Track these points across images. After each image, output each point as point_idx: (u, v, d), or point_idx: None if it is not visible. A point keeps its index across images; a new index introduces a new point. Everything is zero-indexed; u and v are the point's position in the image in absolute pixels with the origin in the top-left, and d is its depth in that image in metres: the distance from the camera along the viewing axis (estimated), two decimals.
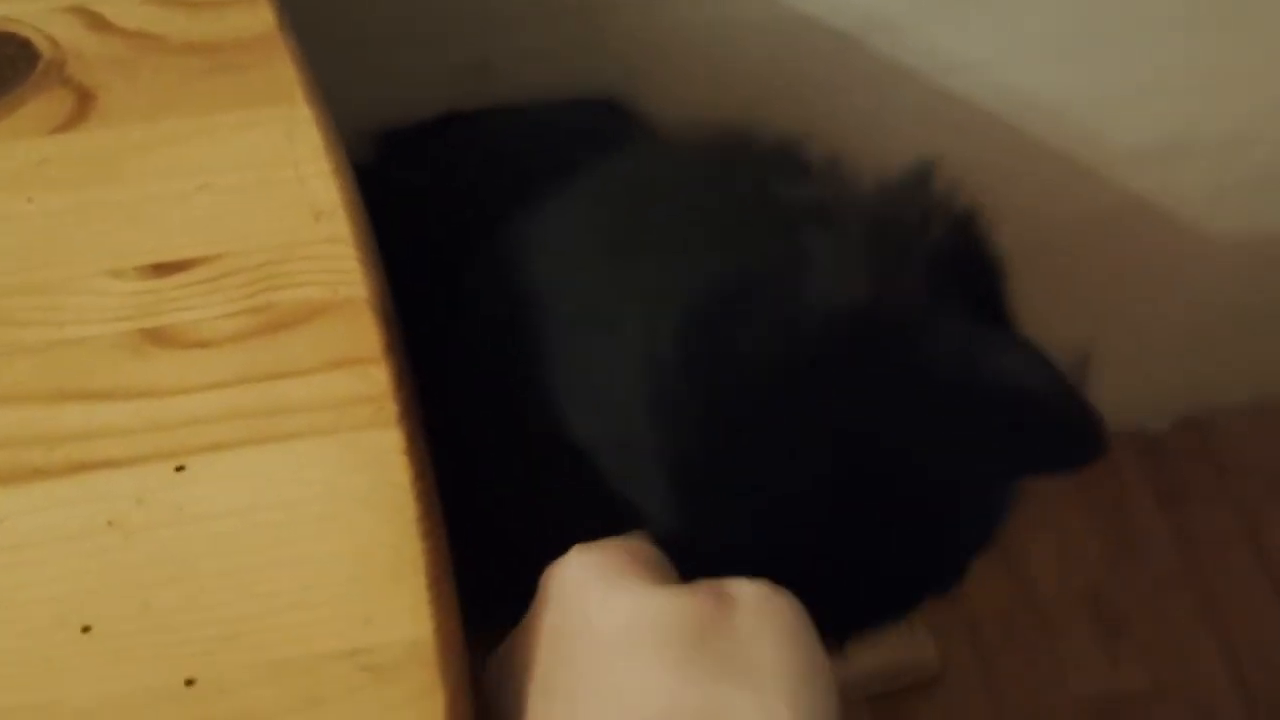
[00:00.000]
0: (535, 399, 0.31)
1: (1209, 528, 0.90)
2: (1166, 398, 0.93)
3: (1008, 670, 0.85)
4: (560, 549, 0.28)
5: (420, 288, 0.34)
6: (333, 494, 0.26)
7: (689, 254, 0.32)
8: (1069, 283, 0.77)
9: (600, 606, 0.25)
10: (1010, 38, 0.59)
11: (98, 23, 0.34)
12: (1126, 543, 0.90)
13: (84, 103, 0.32)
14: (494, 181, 0.41)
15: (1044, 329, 0.85)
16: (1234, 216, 0.74)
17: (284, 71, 0.32)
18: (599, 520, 0.29)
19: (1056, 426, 0.30)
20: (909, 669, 0.78)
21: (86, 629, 0.25)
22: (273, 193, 0.30)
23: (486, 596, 0.31)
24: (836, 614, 0.28)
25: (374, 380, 0.28)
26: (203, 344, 0.28)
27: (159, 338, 0.28)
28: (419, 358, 0.31)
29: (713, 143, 0.42)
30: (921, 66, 0.60)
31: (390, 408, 0.27)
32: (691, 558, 0.28)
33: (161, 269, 0.29)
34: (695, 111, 0.56)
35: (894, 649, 0.76)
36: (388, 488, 0.26)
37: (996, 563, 0.88)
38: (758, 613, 0.25)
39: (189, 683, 0.24)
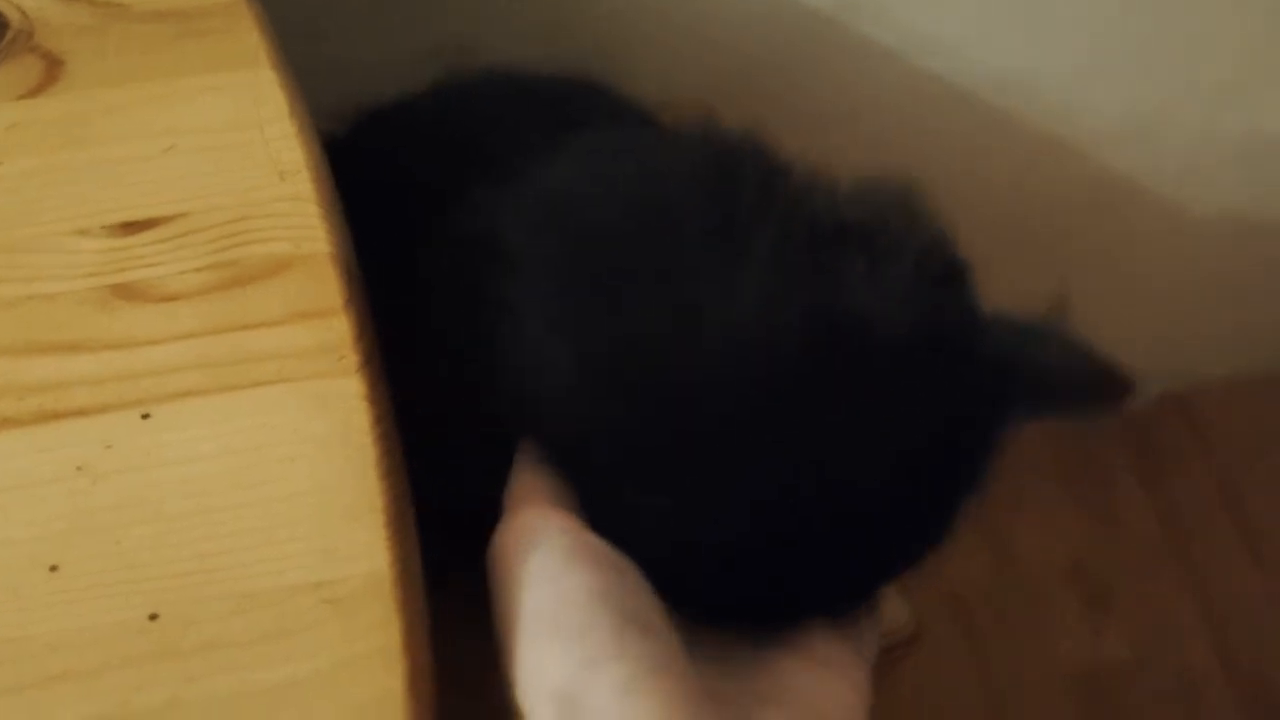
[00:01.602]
0: (498, 378, 0.31)
1: (1191, 499, 0.91)
2: (1147, 372, 0.93)
3: (992, 644, 0.86)
4: None
5: (391, 260, 0.34)
6: (296, 438, 0.27)
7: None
8: (1047, 259, 0.78)
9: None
10: (985, 17, 0.60)
11: None
12: (1109, 515, 0.91)
13: (52, 69, 0.33)
14: (469, 153, 0.41)
15: (1022, 305, 0.85)
16: (1211, 190, 0.74)
17: (249, 36, 0.33)
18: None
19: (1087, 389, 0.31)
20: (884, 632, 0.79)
21: (54, 568, 0.26)
22: (238, 153, 0.31)
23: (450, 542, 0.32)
24: (833, 579, 0.29)
25: (336, 331, 0.28)
26: (170, 298, 0.29)
27: (127, 292, 0.29)
28: (389, 328, 0.31)
29: (693, 135, 0.42)
30: (898, 45, 0.60)
31: (351, 357, 0.28)
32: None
33: (129, 227, 0.30)
34: (677, 90, 0.57)
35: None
36: (349, 431, 0.27)
37: (980, 538, 0.89)
38: None
39: (153, 617, 0.25)
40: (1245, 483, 0.92)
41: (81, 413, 0.27)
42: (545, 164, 0.34)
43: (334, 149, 0.37)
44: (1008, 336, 0.31)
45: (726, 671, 0.27)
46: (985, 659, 0.86)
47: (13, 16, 0.34)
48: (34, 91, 0.33)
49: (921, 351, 0.28)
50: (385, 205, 0.39)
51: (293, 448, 0.27)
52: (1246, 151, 0.72)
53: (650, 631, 0.25)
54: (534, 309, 0.28)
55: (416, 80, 0.53)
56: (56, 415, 0.27)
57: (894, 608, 0.42)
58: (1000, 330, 0.31)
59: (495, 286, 0.30)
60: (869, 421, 0.27)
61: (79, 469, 0.27)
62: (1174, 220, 0.76)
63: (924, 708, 0.80)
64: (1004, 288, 0.83)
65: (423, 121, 0.47)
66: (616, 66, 0.56)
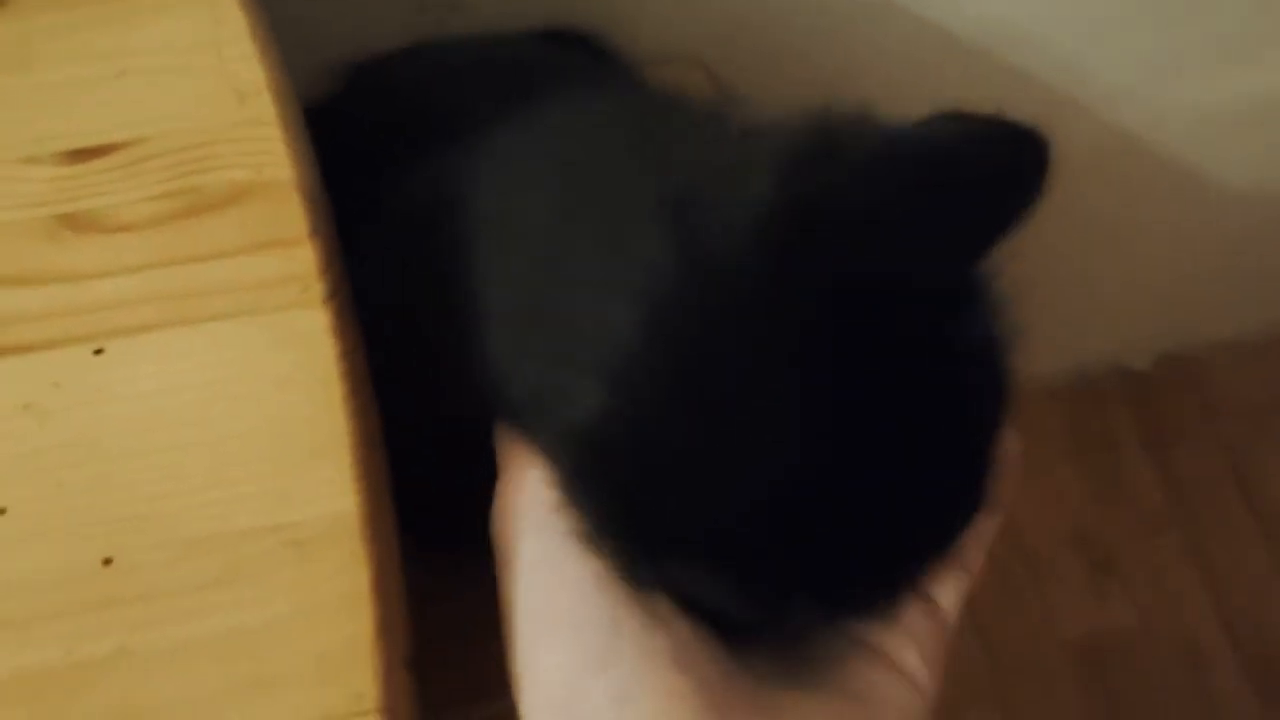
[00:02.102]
0: (475, 327, 0.29)
1: (1195, 466, 0.90)
2: (1151, 336, 0.92)
3: (996, 611, 0.85)
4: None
5: (372, 213, 0.32)
6: (255, 373, 0.25)
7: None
8: (1051, 217, 0.76)
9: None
10: None
11: None
12: (1112, 482, 0.90)
13: None
14: (456, 110, 0.39)
15: (1030, 265, 0.83)
16: (1218, 149, 0.73)
17: None
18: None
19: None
20: None
21: (2, 511, 0.24)
22: (195, 76, 0.29)
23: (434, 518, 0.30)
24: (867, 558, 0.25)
25: (299, 261, 0.27)
26: (123, 228, 0.27)
27: (77, 223, 0.27)
28: (368, 281, 0.30)
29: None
30: (898, 1, 0.58)
31: (317, 287, 0.26)
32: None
33: (80, 154, 0.28)
34: (668, 45, 0.55)
35: None
36: (312, 365, 0.25)
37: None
38: None
39: (107, 562, 0.23)
40: (1250, 448, 0.91)
41: (28, 349, 0.26)
42: (495, 135, 0.32)
43: (315, 112, 0.36)
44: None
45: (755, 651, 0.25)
46: (989, 626, 0.85)
47: None
48: None
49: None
50: (355, 168, 0.37)
51: (252, 384, 0.25)
52: (1254, 110, 0.70)
53: (654, 619, 0.22)
54: (472, 278, 0.27)
55: (405, 37, 0.51)
56: (3, 351, 0.26)
57: None
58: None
59: (437, 256, 0.28)
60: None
61: (25, 407, 0.25)
62: (1181, 179, 0.75)
63: None
64: (1009, 244, 0.81)
65: (393, 85, 0.45)
66: (610, 23, 0.54)
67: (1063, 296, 0.83)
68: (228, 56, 0.29)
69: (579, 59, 0.51)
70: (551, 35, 0.53)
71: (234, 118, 0.29)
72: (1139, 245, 0.80)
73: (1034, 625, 0.85)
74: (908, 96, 0.69)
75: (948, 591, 0.25)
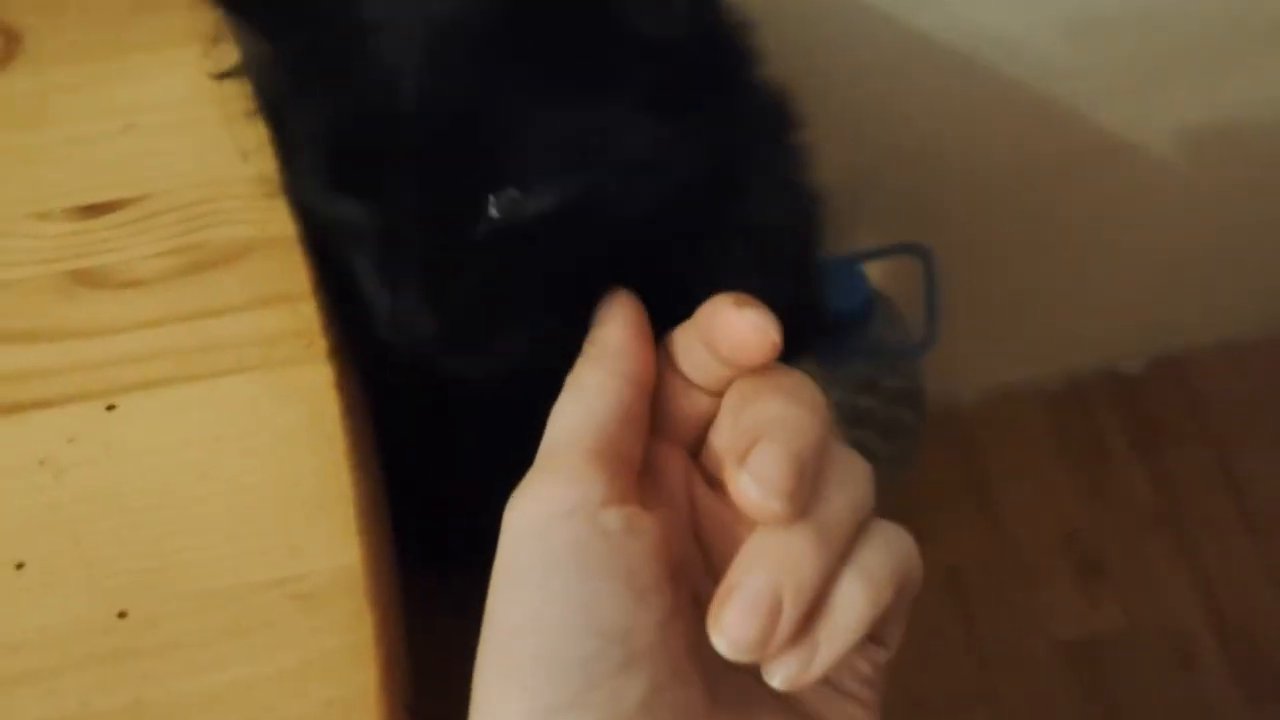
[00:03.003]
0: None
1: (1184, 467, 0.91)
2: (1140, 337, 0.93)
3: (986, 613, 0.86)
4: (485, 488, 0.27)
5: None
6: (262, 428, 0.26)
7: None
8: (1042, 223, 0.77)
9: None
10: None
11: None
12: (1102, 484, 0.91)
13: (10, 44, 0.32)
14: None
15: (1019, 268, 0.84)
16: (1205, 153, 0.73)
17: (208, 9, 0.32)
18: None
19: None
20: None
21: (20, 565, 0.25)
22: (199, 132, 0.30)
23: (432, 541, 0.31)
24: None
25: (304, 316, 0.28)
26: (132, 284, 0.28)
27: (88, 279, 0.28)
28: None
29: None
30: (890, 6, 0.59)
31: (320, 343, 0.27)
32: None
33: (90, 210, 0.29)
34: None
35: None
36: (317, 420, 0.26)
37: (974, 507, 0.89)
38: None
39: (121, 615, 0.24)
40: (1238, 450, 0.92)
41: (43, 404, 0.27)
42: None
43: None
44: None
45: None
46: (979, 627, 0.86)
47: None
48: None
49: None
50: None
51: (259, 439, 0.26)
52: (1240, 115, 0.71)
53: (633, 656, 0.22)
54: None
55: None
56: (18, 407, 0.27)
57: None
58: None
59: None
60: None
61: (41, 462, 0.26)
62: (1168, 182, 0.76)
63: (918, 676, 0.80)
64: (998, 247, 0.82)
65: None
66: None
67: (1052, 301, 0.85)
68: (230, 113, 0.30)
69: None
70: None
71: (237, 174, 0.29)
72: (1129, 246, 0.81)
73: (1024, 625, 0.86)
74: (895, 101, 0.70)
75: (892, 633, 0.25)
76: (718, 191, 0.28)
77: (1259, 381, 0.93)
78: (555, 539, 0.22)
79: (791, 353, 0.24)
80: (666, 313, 0.26)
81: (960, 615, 0.86)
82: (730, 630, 0.21)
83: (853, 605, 0.22)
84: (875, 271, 0.71)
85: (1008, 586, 0.87)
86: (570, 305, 0.25)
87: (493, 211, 0.26)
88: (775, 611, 0.21)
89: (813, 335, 0.36)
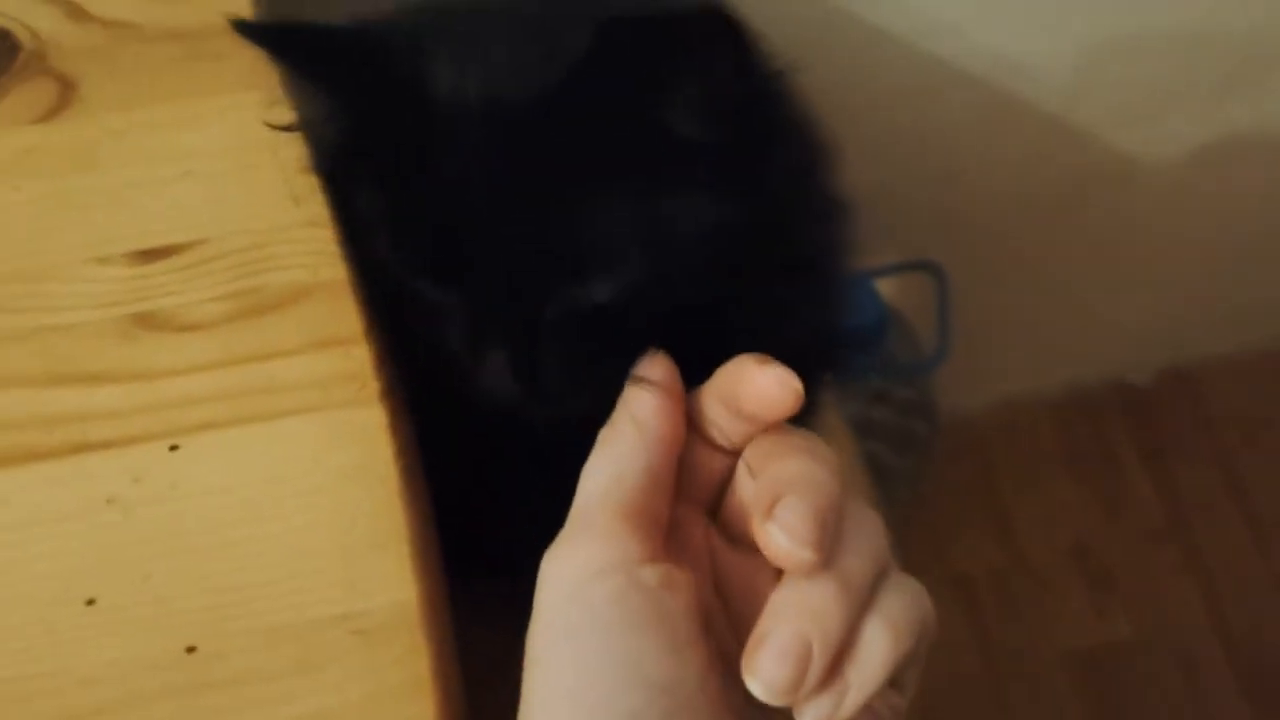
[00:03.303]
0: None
1: (1192, 479, 0.92)
2: (1148, 351, 0.94)
3: (996, 624, 0.87)
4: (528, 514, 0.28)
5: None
6: (319, 468, 0.27)
7: None
8: (1052, 238, 0.78)
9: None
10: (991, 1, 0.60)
11: (76, 12, 0.34)
12: (1112, 497, 0.92)
13: (66, 92, 0.33)
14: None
15: (1029, 283, 0.85)
16: (1214, 172, 0.74)
17: (259, 57, 0.33)
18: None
19: None
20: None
21: (90, 602, 0.26)
22: (253, 177, 0.31)
23: (466, 561, 0.32)
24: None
25: (356, 359, 0.29)
26: (190, 328, 0.29)
27: (148, 322, 0.29)
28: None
29: None
30: (905, 29, 0.60)
31: (372, 385, 0.28)
32: None
33: (147, 255, 0.30)
34: None
35: None
36: (371, 461, 0.27)
37: (984, 519, 0.90)
38: None
39: (190, 650, 0.25)
40: (1247, 463, 0.93)
41: (109, 445, 0.28)
42: None
43: None
44: None
45: None
46: (989, 638, 0.87)
47: (24, 38, 0.34)
48: (48, 115, 0.33)
49: None
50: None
51: (316, 479, 0.27)
52: (1249, 135, 0.72)
53: (679, 707, 0.23)
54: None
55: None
56: (86, 447, 0.28)
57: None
58: None
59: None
60: None
61: (109, 501, 0.27)
62: (1178, 201, 0.77)
63: (927, 686, 0.81)
64: (1010, 263, 0.83)
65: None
66: None
67: (1062, 315, 0.86)
68: (283, 159, 0.31)
69: None
70: None
71: (290, 219, 0.31)
72: (1139, 263, 0.82)
73: (1033, 635, 0.87)
74: (914, 125, 0.71)
75: (910, 678, 0.27)
76: (759, 238, 0.29)
77: (1267, 395, 0.94)
78: (597, 597, 0.24)
79: (815, 371, 0.26)
80: (701, 355, 0.27)
81: (970, 623, 0.87)
82: (765, 674, 0.23)
83: (878, 649, 0.24)
84: (888, 287, 0.72)
85: (1017, 596, 0.88)
86: (633, 361, 0.27)
87: (568, 295, 0.28)
88: (806, 657, 0.23)
89: (834, 354, 0.37)
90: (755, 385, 0.25)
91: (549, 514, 0.26)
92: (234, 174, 0.31)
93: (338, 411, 0.28)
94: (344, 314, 0.29)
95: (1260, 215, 0.80)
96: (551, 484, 0.26)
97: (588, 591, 0.24)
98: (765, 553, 0.23)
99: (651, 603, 0.24)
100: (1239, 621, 0.87)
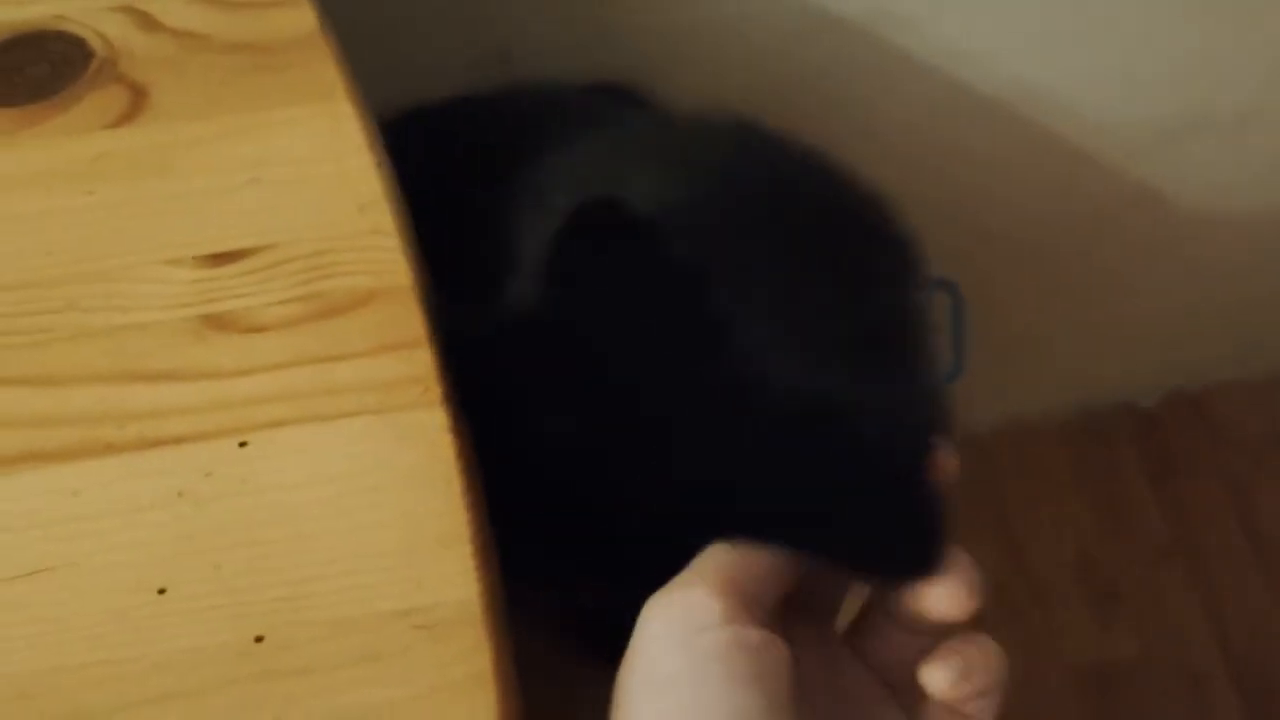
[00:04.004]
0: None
1: (1199, 499, 0.93)
2: (1157, 372, 0.95)
3: (1000, 639, 0.87)
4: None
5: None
6: (384, 468, 0.28)
7: None
8: (1066, 264, 0.79)
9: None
10: (1015, 27, 0.61)
11: (147, 22, 0.35)
12: (1117, 514, 0.93)
13: (137, 99, 0.34)
14: (497, 160, 0.42)
15: (1041, 305, 0.87)
16: (1229, 202, 0.76)
17: (325, 70, 0.34)
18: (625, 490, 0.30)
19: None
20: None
21: (162, 591, 0.27)
22: (318, 186, 0.32)
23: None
24: None
25: (419, 363, 0.30)
26: (259, 329, 0.30)
27: (218, 323, 0.30)
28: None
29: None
30: (928, 57, 0.61)
31: (435, 389, 0.29)
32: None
33: (217, 259, 0.31)
34: (704, 101, 0.58)
35: None
36: (435, 462, 0.28)
37: (989, 534, 0.91)
38: None
39: (258, 639, 0.26)
40: (1253, 482, 0.94)
41: (180, 440, 0.29)
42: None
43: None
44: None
45: None
46: None
47: (98, 46, 0.35)
48: (120, 121, 0.34)
49: None
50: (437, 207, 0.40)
51: (381, 477, 0.28)
52: (1268, 167, 0.73)
53: None
54: None
55: (456, 88, 0.54)
56: (157, 442, 0.29)
57: None
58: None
59: None
60: None
61: (180, 494, 0.28)
62: (1193, 230, 0.78)
63: None
64: (1023, 290, 0.84)
65: (443, 135, 0.48)
66: (653, 81, 0.57)
67: (1072, 336, 0.87)
68: (347, 168, 0.33)
69: (623, 111, 0.54)
70: (597, 89, 0.56)
71: (354, 227, 0.32)
72: (1153, 290, 0.83)
73: (1038, 652, 0.88)
74: (932, 147, 0.72)
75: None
76: None
77: (1274, 418, 0.95)
78: (700, 649, 0.25)
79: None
80: None
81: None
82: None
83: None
84: None
85: (1022, 610, 0.89)
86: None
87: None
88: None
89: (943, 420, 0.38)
90: (936, 603, 0.28)
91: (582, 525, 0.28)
92: (300, 182, 0.33)
93: (401, 413, 0.29)
94: (407, 319, 0.30)
95: (1270, 243, 0.81)
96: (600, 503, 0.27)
97: (692, 642, 0.25)
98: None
99: (755, 660, 0.25)
100: (1243, 639, 0.88)
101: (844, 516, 0.28)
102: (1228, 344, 0.92)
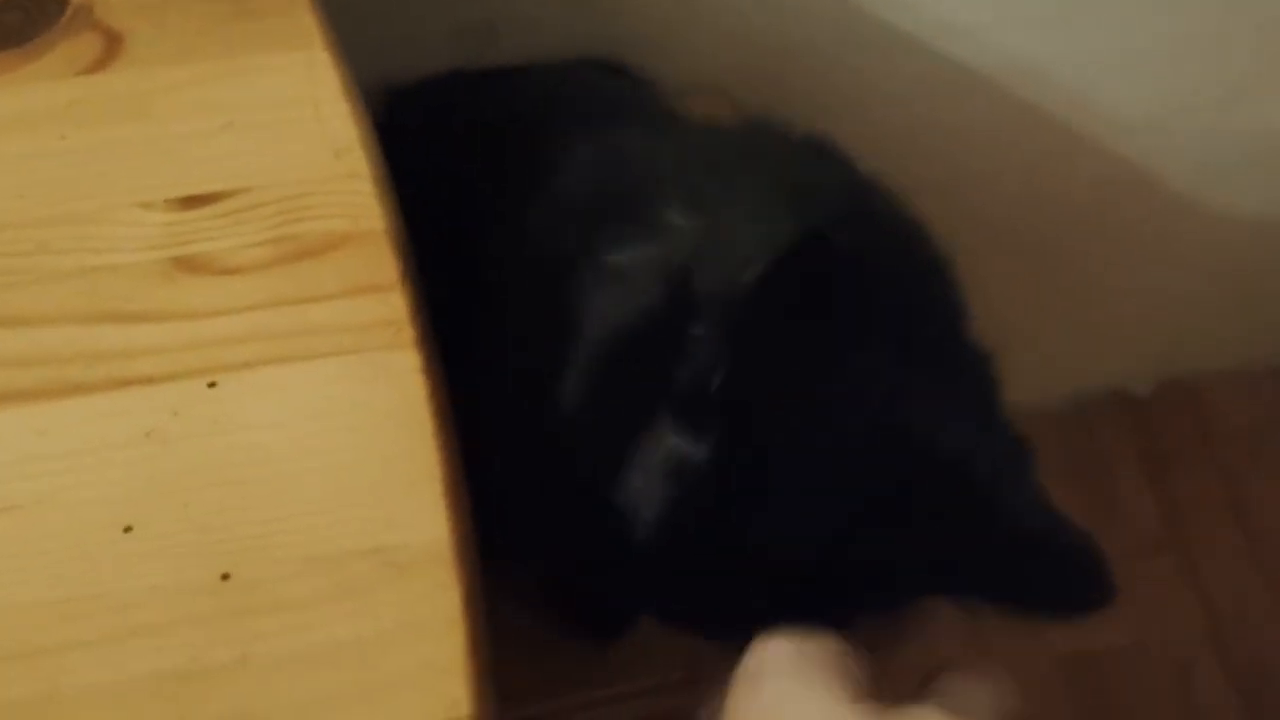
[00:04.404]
0: (546, 362, 0.32)
1: (1191, 489, 0.92)
2: (1150, 361, 0.95)
3: (991, 630, 0.87)
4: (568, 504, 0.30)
5: (429, 242, 0.35)
6: (355, 408, 0.28)
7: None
8: (1057, 248, 0.79)
9: (794, 702, 0.26)
10: (1007, 3, 0.61)
11: None
12: (1109, 504, 0.93)
13: (112, 45, 0.34)
14: (502, 140, 0.42)
15: (1031, 292, 0.86)
16: (1222, 186, 0.75)
17: (303, 18, 0.34)
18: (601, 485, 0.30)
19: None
20: None
21: (128, 529, 0.27)
22: (294, 131, 0.32)
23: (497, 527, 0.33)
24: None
25: (392, 305, 0.29)
26: (231, 271, 0.30)
27: (189, 265, 0.30)
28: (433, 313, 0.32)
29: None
30: (919, 32, 0.61)
31: (408, 331, 0.29)
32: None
33: (190, 201, 0.31)
34: (694, 76, 0.58)
35: None
36: (406, 403, 0.28)
37: None
38: None
39: (225, 577, 0.26)
40: (1246, 474, 0.93)
41: (149, 380, 0.28)
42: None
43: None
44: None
45: None
46: (984, 645, 0.87)
47: None
48: (94, 67, 0.33)
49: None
50: (429, 188, 0.40)
51: (352, 418, 0.28)
52: (1258, 149, 0.73)
53: None
54: None
55: (442, 59, 0.54)
56: (125, 382, 0.28)
57: None
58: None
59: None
60: None
61: (148, 434, 0.28)
62: (1185, 214, 0.77)
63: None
64: (1014, 275, 0.84)
65: (461, 105, 0.48)
66: (638, 53, 0.56)
67: (1063, 324, 0.86)
68: (324, 114, 0.32)
69: (613, 88, 0.53)
70: (586, 64, 0.56)
71: (330, 171, 0.31)
72: (1143, 276, 0.82)
73: (1028, 643, 0.88)
74: (925, 128, 0.72)
75: None
76: None
77: (1267, 408, 0.95)
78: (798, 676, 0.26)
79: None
80: None
81: (965, 630, 0.87)
82: None
83: None
84: None
85: None
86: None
87: None
88: None
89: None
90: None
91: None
92: (276, 127, 0.32)
93: (374, 354, 0.29)
94: (381, 262, 0.30)
95: (1264, 228, 0.81)
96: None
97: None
98: None
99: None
100: (1235, 629, 0.88)
101: (1007, 565, 0.30)
102: (1220, 331, 0.92)
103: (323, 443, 0.28)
